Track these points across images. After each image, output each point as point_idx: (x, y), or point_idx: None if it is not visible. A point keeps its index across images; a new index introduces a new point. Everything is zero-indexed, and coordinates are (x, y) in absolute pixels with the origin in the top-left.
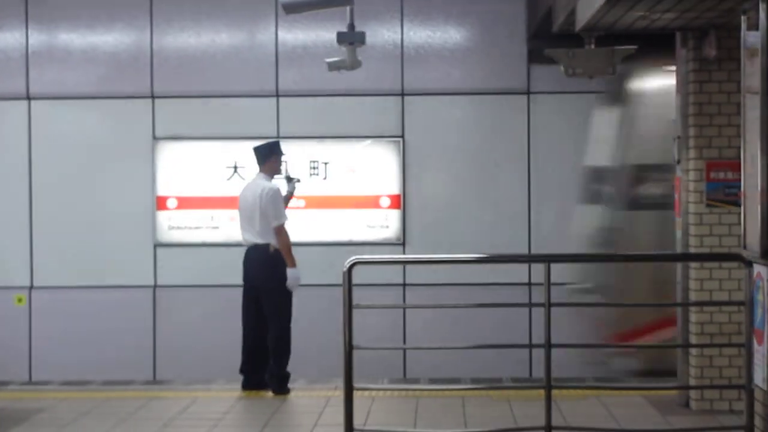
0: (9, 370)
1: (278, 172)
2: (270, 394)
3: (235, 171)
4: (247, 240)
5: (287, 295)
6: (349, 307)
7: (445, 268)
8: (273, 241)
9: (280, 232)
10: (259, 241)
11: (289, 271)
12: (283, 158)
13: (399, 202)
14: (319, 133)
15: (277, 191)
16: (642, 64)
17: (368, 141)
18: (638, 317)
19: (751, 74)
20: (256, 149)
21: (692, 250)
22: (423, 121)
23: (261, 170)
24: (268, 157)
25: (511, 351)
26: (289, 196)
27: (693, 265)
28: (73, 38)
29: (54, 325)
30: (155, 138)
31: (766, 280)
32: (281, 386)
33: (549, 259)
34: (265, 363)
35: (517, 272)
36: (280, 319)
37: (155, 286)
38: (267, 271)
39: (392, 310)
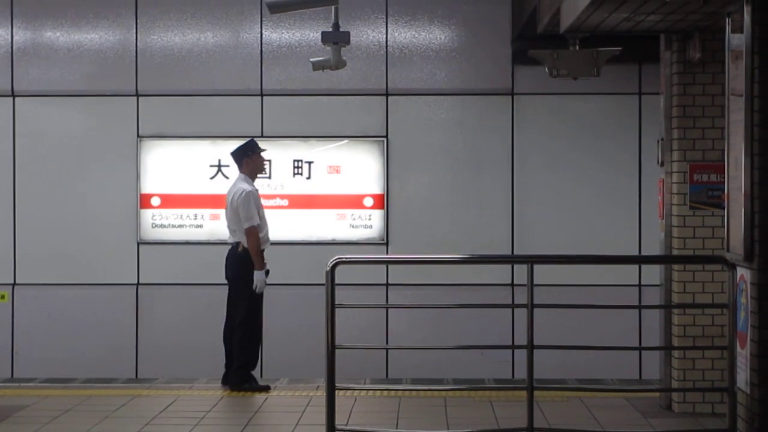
0: None
1: (260, 170)
2: (251, 393)
3: (219, 169)
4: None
5: (252, 295)
6: (331, 306)
7: (429, 269)
8: (243, 241)
9: (250, 234)
10: (230, 239)
11: (256, 274)
12: (264, 153)
13: (382, 201)
14: (303, 133)
15: (249, 193)
16: None
17: (344, 141)
18: None
19: (735, 77)
20: (231, 154)
21: (675, 253)
22: (407, 121)
23: (240, 171)
24: (242, 157)
25: (494, 352)
26: None
27: (676, 267)
28: (59, 36)
29: (36, 322)
30: (139, 136)
31: (749, 283)
32: (238, 383)
33: (532, 260)
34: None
35: (501, 273)
36: (244, 317)
37: (138, 284)
38: (234, 269)
39: (375, 310)
